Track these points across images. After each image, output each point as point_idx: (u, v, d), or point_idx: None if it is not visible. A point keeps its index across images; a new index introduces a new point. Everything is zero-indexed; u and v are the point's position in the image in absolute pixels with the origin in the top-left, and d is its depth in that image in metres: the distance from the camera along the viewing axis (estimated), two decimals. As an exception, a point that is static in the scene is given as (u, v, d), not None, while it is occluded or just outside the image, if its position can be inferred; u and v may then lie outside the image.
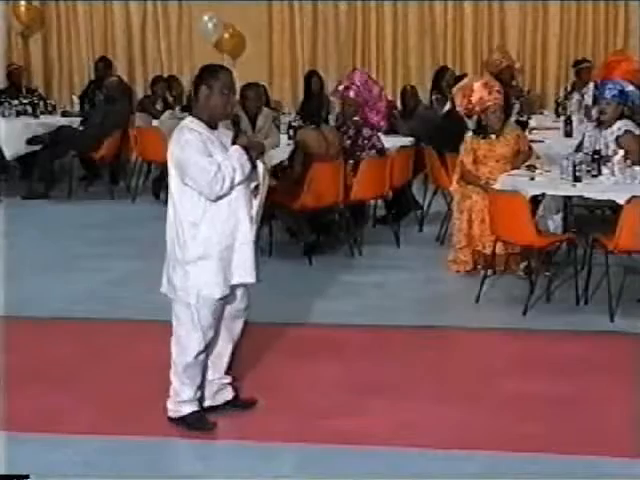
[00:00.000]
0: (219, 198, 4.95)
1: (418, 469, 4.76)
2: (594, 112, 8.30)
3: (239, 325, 5.31)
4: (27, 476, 4.44)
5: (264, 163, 5.25)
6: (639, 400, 5.49)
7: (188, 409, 5.20)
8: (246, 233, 5.08)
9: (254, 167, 5.10)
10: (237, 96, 10.82)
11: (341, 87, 9.75)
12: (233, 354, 5.38)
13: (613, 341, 6.64)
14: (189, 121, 5.06)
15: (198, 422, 5.19)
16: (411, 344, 6.71)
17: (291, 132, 10.12)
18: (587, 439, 5.10)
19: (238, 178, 4.96)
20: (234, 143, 5.09)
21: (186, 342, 5.10)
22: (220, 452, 5.06)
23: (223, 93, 5.03)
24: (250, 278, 5.15)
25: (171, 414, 5.23)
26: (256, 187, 5.17)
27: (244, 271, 5.10)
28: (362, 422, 5.33)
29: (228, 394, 5.43)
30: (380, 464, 4.83)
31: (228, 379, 5.43)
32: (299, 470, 4.80)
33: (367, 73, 10.86)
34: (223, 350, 5.31)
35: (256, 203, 5.18)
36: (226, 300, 5.13)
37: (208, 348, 5.18)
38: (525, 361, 6.28)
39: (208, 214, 4.97)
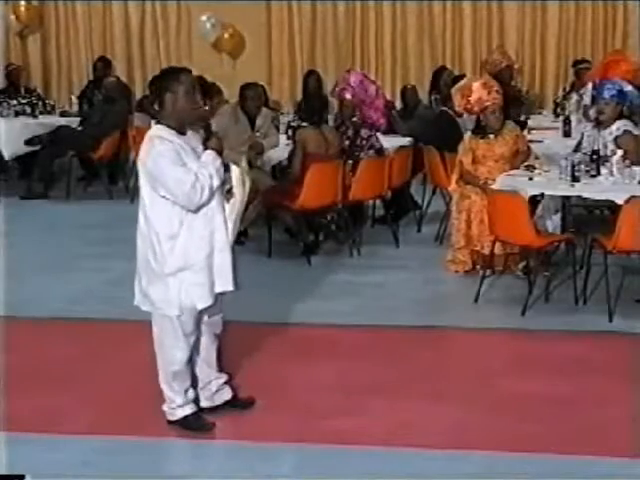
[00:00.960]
0: (199, 208, 4.91)
1: (416, 469, 4.76)
2: (592, 112, 8.29)
3: (219, 322, 5.29)
4: (23, 476, 4.44)
5: (241, 165, 5.19)
6: (637, 400, 5.50)
7: (183, 412, 5.20)
8: (223, 240, 5.04)
9: (226, 170, 5.04)
10: (229, 97, 10.93)
11: (337, 88, 9.77)
12: (219, 350, 5.38)
13: (612, 341, 6.65)
14: (157, 129, 4.94)
15: (196, 424, 5.19)
16: (410, 344, 6.71)
17: (290, 132, 10.13)
18: (585, 439, 5.10)
19: (216, 184, 4.92)
20: (206, 147, 5.03)
21: (172, 352, 5.08)
22: (218, 452, 5.06)
23: (188, 95, 4.93)
24: (230, 286, 5.10)
25: (169, 417, 5.23)
26: (229, 190, 5.09)
27: (224, 279, 5.06)
28: (360, 422, 5.33)
29: (227, 394, 5.43)
30: (378, 464, 4.84)
31: (224, 378, 5.43)
32: (297, 470, 4.81)
33: (362, 73, 10.88)
34: (210, 349, 5.30)
35: (229, 207, 5.11)
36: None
37: (193, 352, 5.18)
38: (524, 361, 6.28)
39: (185, 225, 4.92)
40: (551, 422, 5.28)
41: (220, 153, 5.01)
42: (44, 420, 5.36)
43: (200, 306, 5.01)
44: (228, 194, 5.08)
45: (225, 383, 5.43)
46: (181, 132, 4.95)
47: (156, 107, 5.01)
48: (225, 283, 5.08)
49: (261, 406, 5.48)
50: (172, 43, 15.75)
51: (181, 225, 4.91)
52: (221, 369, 5.42)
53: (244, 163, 5.27)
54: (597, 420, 5.32)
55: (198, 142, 5.07)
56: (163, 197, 4.86)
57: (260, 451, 4.99)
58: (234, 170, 5.11)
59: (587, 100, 9.08)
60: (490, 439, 5.10)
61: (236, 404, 5.44)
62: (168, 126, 4.92)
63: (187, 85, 4.93)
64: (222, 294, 5.14)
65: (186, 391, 5.20)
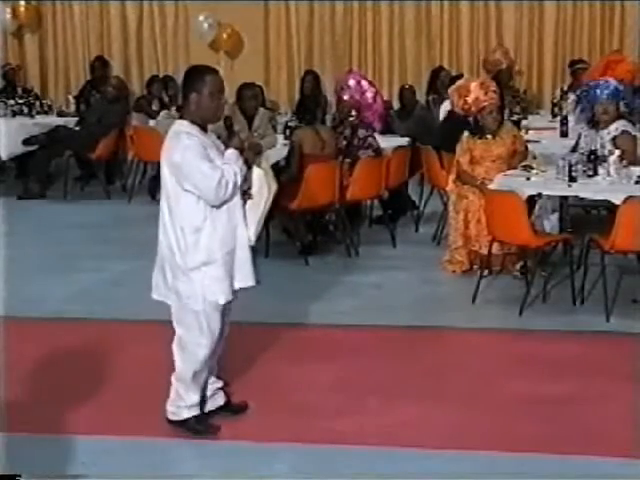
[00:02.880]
0: (222, 203, 4.93)
1: (415, 469, 4.77)
2: (584, 113, 8.29)
3: (228, 325, 5.31)
4: (19, 476, 4.43)
5: (262, 167, 5.22)
6: (636, 400, 5.51)
7: (189, 413, 5.19)
8: (243, 236, 5.06)
9: (248, 169, 5.09)
10: (227, 97, 10.93)
11: (336, 88, 9.80)
12: (219, 357, 5.38)
13: (609, 341, 6.66)
14: (184, 126, 4.97)
15: (201, 426, 5.19)
16: (408, 344, 6.72)
17: (287, 132, 10.14)
18: (585, 439, 5.11)
19: (239, 181, 4.95)
20: (227, 146, 5.07)
21: (194, 349, 5.07)
22: (217, 452, 5.05)
23: (213, 96, 4.98)
24: (250, 281, 5.14)
25: (172, 417, 5.22)
26: (246, 190, 5.11)
27: (245, 275, 5.09)
28: (359, 422, 5.34)
29: (220, 399, 5.42)
30: (377, 464, 4.84)
31: (220, 383, 5.43)
32: (296, 470, 4.81)
33: (361, 75, 10.89)
34: (218, 351, 5.31)
35: (253, 207, 5.15)
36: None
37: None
38: (521, 361, 6.28)
39: (209, 219, 4.93)
40: (550, 422, 5.29)
41: (242, 152, 5.05)
42: (43, 420, 5.36)
43: (222, 301, 5.03)
44: (245, 194, 5.10)
45: (219, 388, 5.43)
46: (204, 129, 5.01)
47: (181, 104, 5.12)
48: (246, 279, 5.11)
49: (260, 406, 5.48)
50: (170, 43, 15.76)
51: (205, 220, 4.94)
52: (219, 376, 5.42)
53: (265, 164, 5.30)
54: (595, 420, 5.33)
55: (219, 142, 5.12)
56: (187, 191, 4.89)
57: (259, 451, 5.00)
58: (255, 171, 5.15)
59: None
60: (489, 439, 5.11)
61: (229, 409, 5.43)
62: (193, 122, 4.97)
63: (211, 86, 4.99)
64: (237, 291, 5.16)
65: (200, 392, 5.20)
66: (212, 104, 4.99)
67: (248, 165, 5.08)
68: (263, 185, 5.18)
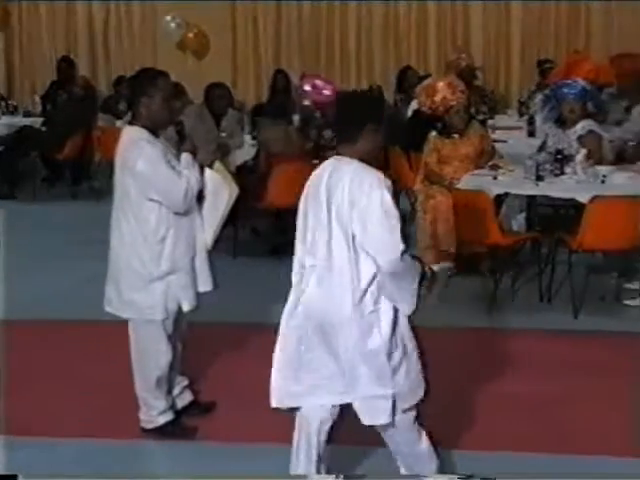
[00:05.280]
0: (186, 211, 4.88)
1: (379, 466, 4.76)
2: (552, 112, 8.34)
3: (185, 323, 5.27)
4: (16, 476, 4.43)
5: (216, 169, 5.16)
6: (603, 396, 5.54)
7: (165, 419, 5.16)
8: (201, 241, 5.03)
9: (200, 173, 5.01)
10: (195, 97, 10.90)
11: (297, 93, 9.84)
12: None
13: (577, 339, 6.70)
14: (136, 131, 4.84)
15: (178, 429, 5.17)
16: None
17: (255, 132, 10.13)
18: (554, 437, 5.14)
19: (198, 187, 4.91)
20: (179, 150, 4.99)
21: (156, 357, 5.03)
22: (188, 452, 5.04)
23: (164, 100, 4.85)
24: (209, 286, 5.11)
25: (148, 425, 5.17)
26: (199, 193, 5.01)
27: (204, 280, 5.07)
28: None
29: (188, 396, 5.40)
30: (353, 460, 4.83)
31: (186, 381, 5.41)
32: (270, 469, 4.79)
33: (314, 76, 10.93)
34: (177, 351, 5.25)
35: (212, 210, 5.09)
36: None
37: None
38: (489, 359, 6.30)
39: (173, 228, 4.88)
40: (517, 419, 5.31)
41: (194, 155, 5.00)
42: (27, 423, 5.31)
43: (186, 308, 5.01)
44: (199, 197, 5.03)
45: (186, 386, 5.40)
46: (155, 134, 4.89)
47: (129, 108, 4.98)
48: (205, 283, 5.08)
49: (231, 406, 5.47)
50: (137, 43, 15.73)
51: (169, 228, 4.87)
52: (183, 373, 5.40)
53: (218, 165, 5.23)
54: (565, 418, 5.36)
55: (170, 144, 5.05)
56: (151, 200, 4.80)
57: (232, 451, 4.98)
58: (212, 173, 5.09)
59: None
60: (472, 438, 5.12)
61: (196, 407, 5.42)
62: (145, 128, 4.84)
63: (163, 90, 4.86)
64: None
65: (167, 396, 5.18)
66: (164, 108, 4.87)
67: (200, 168, 5.01)
68: (220, 188, 5.11)
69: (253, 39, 15.41)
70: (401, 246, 3.90)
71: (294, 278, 4.30)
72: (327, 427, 4.19)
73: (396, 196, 4.02)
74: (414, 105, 10.18)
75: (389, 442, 4.27)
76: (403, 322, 4.08)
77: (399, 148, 9.74)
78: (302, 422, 4.21)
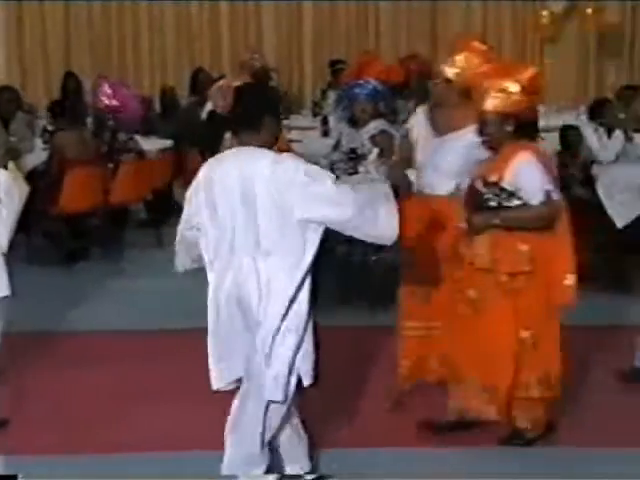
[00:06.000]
0: None
1: (205, 471, 4.71)
2: (345, 112, 8.46)
3: None
4: (15, 476, 4.22)
5: (10, 169, 5.03)
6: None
7: None
8: None
9: None
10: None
11: (93, 96, 9.66)
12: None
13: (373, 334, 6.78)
14: None
15: None
16: (180, 347, 6.66)
17: (46, 136, 9.87)
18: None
19: None
20: None
21: None
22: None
23: None
24: (6, 291, 4.98)
25: None
26: None
27: (1, 284, 4.93)
28: (133, 429, 5.27)
29: None
30: (166, 468, 4.80)
31: None
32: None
33: (112, 82, 10.79)
34: None
35: (10, 213, 4.96)
36: None
37: None
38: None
39: None
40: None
41: None
42: None
43: None
44: None
45: None
46: None
47: None
48: (1, 289, 4.95)
49: (29, 418, 5.31)
50: None
51: None
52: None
53: (11, 165, 5.10)
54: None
55: None
56: None
57: (30, 464, 4.80)
58: (4, 174, 4.94)
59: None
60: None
61: None
62: None
63: None
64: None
65: None
66: None
67: None
68: (12, 189, 4.98)
69: (41, 40, 14.97)
70: (350, 192, 4.13)
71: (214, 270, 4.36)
72: None
73: None
74: (209, 106, 10.15)
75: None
76: None
77: (195, 150, 9.69)
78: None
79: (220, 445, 4.51)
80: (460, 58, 5.30)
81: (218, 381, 4.46)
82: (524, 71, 4.90)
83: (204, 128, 10.29)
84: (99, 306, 7.52)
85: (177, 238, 4.64)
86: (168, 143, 10.52)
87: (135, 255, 9.11)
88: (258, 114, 4.21)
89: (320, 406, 4.93)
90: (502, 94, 4.80)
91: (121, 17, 15.00)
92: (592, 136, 8.61)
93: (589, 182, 7.94)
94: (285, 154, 4.18)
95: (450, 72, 5.34)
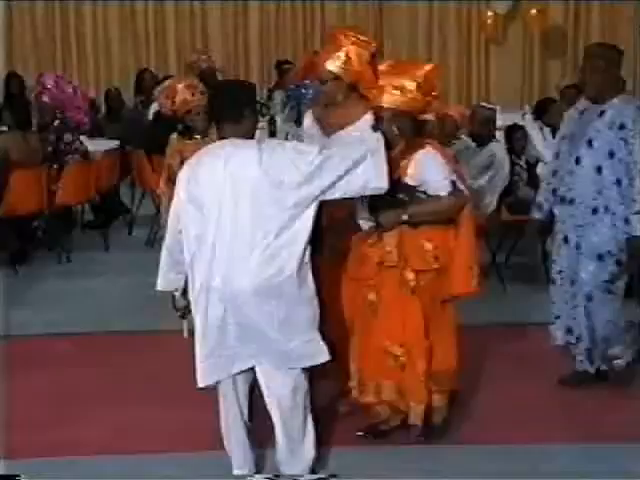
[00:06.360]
0: None
1: (143, 473, 4.72)
2: (292, 112, 8.48)
3: None
4: (18, 476, 4.14)
5: None
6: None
7: None
8: None
9: None
10: None
11: (35, 93, 9.55)
12: None
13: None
14: None
15: None
16: (125, 350, 6.62)
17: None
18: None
19: None
20: None
21: None
22: None
23: None
24: None
25: None
26: None
27: None
28: (78, 432, 5.22)
29: None
30: (104, 470, 4.76)
31: None
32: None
33: (56, 74, 10.67)
34: None
35: None
36: None
37: None
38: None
39: None
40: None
41: None
42: None
43: None
44: None
45: None
46: None
47: None
48: None
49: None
50: None
51: None
52: None
53: None
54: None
55: None
56: None
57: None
58: None
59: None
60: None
61: None
62: None
63: None
64: None
65: None
66: None
67: None
68: None
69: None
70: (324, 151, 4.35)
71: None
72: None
73: None
74: (155, 107, 10.09)
75: None
76: None
77: (141, 151, 9.64)
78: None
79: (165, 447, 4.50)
80: (343, 53, 5.19)
81: (204, 379, 4.48)
82: (421, 69, 4.85)
83: (150, 129, 10.25)
84: (45, 308, 7.45)
85: (163, 254, 4.59)
86: (114, 144, 10.45)
87: (81, 257, 9.03)
88: (239, 106, 4.47)
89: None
90: (398, 92, 4.78)
91: (65, 17, 14.85)
92: (537, 136, 8.70)
93: (534, 182, 7.99)
94: (268, 139, 4.31)
95: (337, 69, 5.22)
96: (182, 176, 4.49)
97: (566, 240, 5.64)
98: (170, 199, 8.19)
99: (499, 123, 9.00)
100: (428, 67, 4.91)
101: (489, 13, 14.33)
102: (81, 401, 5.67)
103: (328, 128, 5.26)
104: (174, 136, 8.38)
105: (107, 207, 10.11)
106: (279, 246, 4.24)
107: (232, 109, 4.49)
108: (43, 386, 5.91)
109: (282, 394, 4.46)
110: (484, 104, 9.29)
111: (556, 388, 5.76)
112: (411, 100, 4.78)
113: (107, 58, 14.99)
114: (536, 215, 5.85)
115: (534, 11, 14.05)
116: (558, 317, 5.75)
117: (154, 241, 9.20)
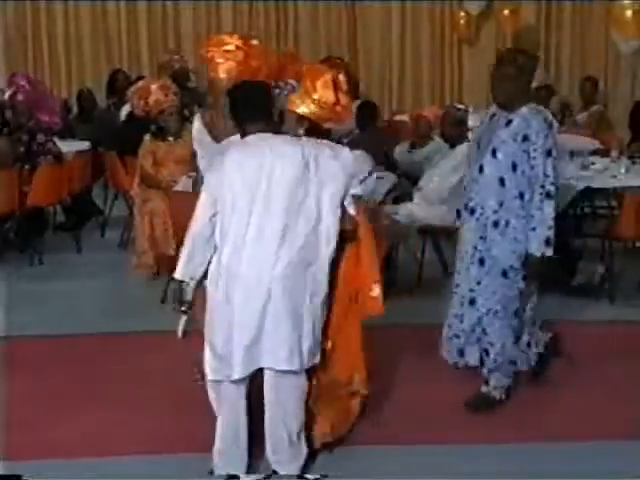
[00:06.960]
0: None
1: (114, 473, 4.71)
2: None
3: None
4: (19, 477, 4.18)
5: None
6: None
7: None
8: None
9: None
10: None
11: (7, 94, 9.49)
12: None
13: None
14: None
15: None
16: (99, 351, 6.60)
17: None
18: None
19: None
20: None
21: None
22: None
23: None
24: None
25: None
26: None
27: None
28: (50, 434, 5.20)
29: None
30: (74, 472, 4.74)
31: None
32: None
33: (27, 75, 10.63)
34: None
35: None
36: None
37: None
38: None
39: None
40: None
41: None
42: None
43: None
44: None
45: None
46: None
47: None
48: None
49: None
50: None
51: None
52: None
53: None
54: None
55: None
56: None
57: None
58: None
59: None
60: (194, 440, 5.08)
61: None
62: None
63: None
64: None
65: None
66: None
67: None
68: None
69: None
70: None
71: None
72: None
73: None
74: (127, 108, 10.07)
75: None
76: None
77: (114, 152, 9.61)
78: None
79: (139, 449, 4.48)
80: (222, 57, 5.18)
81: (215, 373, 4.50)
82: (320, 75, 4.92)
83: (123, 130, 10.22)
84: (17, 310, 7.41)
85: (187, 243, 4.57)
86: (86, 145, 10.41)
87: (54, 259, 8.99)
88: (267, 106, 4.71)
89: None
90: (299, 96, 4.88)
91: (36, 17, 14.77)
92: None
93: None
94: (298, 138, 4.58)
95: (220, 73, 5.21)
96: (228, 159, 4.48)
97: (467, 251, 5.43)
98: (143, 201, 8.29)
99: (470, 124, 9.00)
100: (328, 74, 4.96)
101: (462, 13, 14.35)
102: (52, 404, 5.64)
103: (214, 134, 5.25)
104: (147, 137, 8.38)
105: (79, 209, 10.06)
106: (309, 235, 4.39)
107: (263, 110, 4.66)
108: (14, 389, 5.86)
109: (289, 394, 4.50)
110: (456, 105, 9.31)
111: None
112: (309, 104, 4.89)
113: (79, 58, 14.93)
114: (457, 222, 5.61)
115: (507, 11, 14.08)
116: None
117: (127, 242, 9.17)
